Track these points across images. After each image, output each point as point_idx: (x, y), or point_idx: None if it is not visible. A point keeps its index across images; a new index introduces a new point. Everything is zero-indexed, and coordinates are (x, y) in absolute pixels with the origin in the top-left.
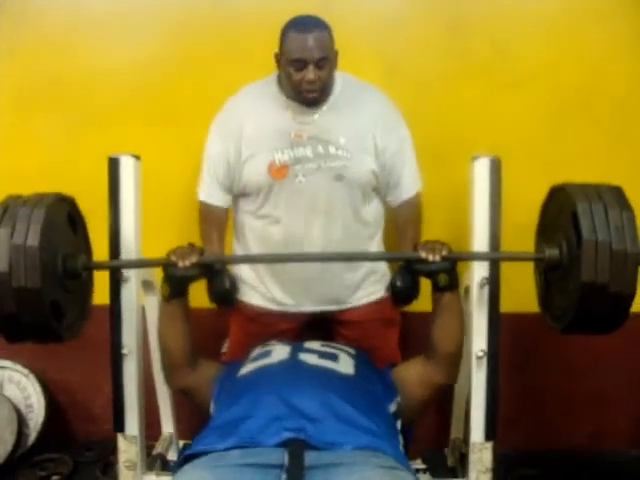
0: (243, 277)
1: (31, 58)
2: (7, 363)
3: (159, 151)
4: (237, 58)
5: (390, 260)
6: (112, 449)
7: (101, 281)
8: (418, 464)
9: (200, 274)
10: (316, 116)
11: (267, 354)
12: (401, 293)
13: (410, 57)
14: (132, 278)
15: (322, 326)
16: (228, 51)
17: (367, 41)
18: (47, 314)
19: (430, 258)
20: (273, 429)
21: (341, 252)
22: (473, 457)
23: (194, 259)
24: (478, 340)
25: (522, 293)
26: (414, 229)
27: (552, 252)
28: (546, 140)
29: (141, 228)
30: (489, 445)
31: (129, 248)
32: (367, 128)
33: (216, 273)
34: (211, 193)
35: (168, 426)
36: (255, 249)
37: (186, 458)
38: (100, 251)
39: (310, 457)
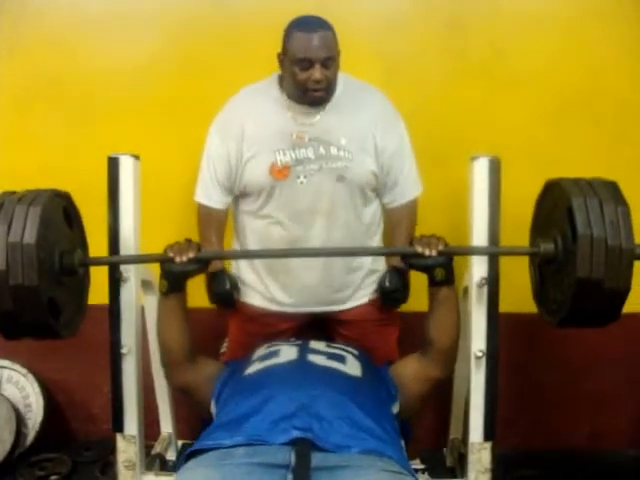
0: (243, 279)
1: (31, 57)
2: (6, 363)
3: (158, 150)
4: (237, 58)
5: (387, 255)
6: (111, 449)
7: (100, 281)
8: (417, 464)
9: (198, 269)
10: (317, 117)
11: (275, 354)
12: (390, 294)
13: (409, 57)
14: (131, 278)
15: (321, 325)
16: (228, 51)
17: (366, 41)
18: (45, 311)
19: (426, 253)
20: (282, 427)
21: (338, 247)
22: (472, 457)
23: (191, 254)
24: (477, 340)
25: (521, 293)
26: (408, 234)
27: (547, 246)
28: (546, 140)
29: (140, 228)
30: (488, 445)
31: (128, 248)
32: (367, 128)
33: (217, 275)
34: (210, 195)
35: (167, 426)
36: (255, 249)
37: (190, 454)
38: (100, 252)
39: (317, 458)
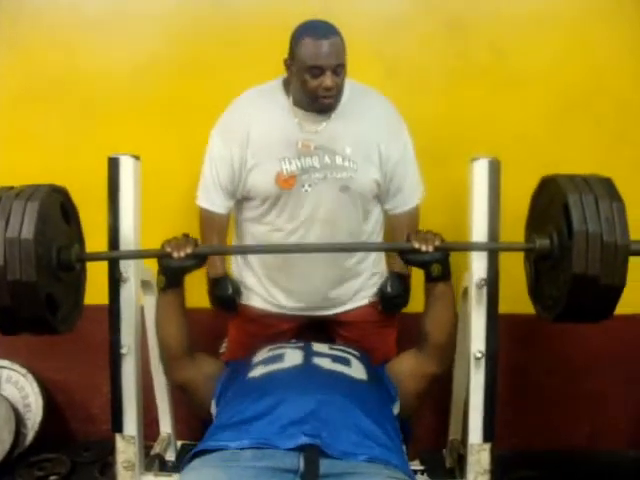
0: (244, 282)
1: (30, 57)
2: (5, 362)
3: (158, 150)
4: (237, 58)
5: (384, 250)
6: (110, 449)
7: (100, 281)
8: (416, 465)
9: (195, 265)
10: (323, 124)
11: (279, 358)
12: (390, 300)
13: (409, 58)
14: (131, 278)
15: (321, 326)
16: (228, 52)
17: (366, 42)
18: (42, 307)
19: (423, 248)
20: (290, 432)
21: (336, 243)
22: (471, 458)
23: (189, 250)
24: (476, 341)
25: (520, 294)
26: None
27: (543, 242)
28: (546, 140)
29: (140, 228)
30: (487, 446)
31: (128, 247)
32: (372, 137)
33: (219, 280)
34: (213, 199)
35: (166, 426)
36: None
37: (195, 454)
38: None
39: (324, 465)
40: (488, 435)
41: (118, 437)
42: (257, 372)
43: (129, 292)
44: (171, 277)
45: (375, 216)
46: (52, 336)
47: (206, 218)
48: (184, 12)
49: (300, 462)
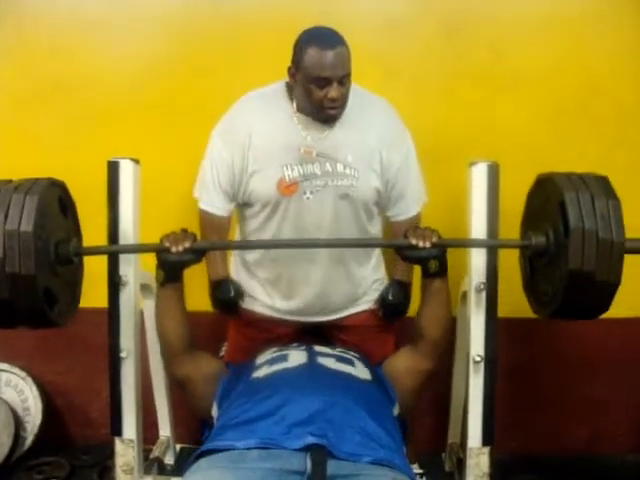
0: (245, 286)
1: (31, 59)
2: (4, 366)
3: (158, 153)
4: (237, 61)
5: (382, 247)
6: (109, 453)
7: (100, 284)
8: (416, 469)
9: (193, 259)
10: (326, 132)
11: (283, 358)
12: (391, 307)
13: (408, 60)
14: (131, 282)
15: (320, 331)
16: (228, 54)
17: (365, 44)
18: (40, 300)
19: (420, 244)
20: (297, 432)
21: (333, 239)
22: (470, 462)
23: (187, 244)
24: (475, 345)
25: (519, 298)
26: None
27: (539, 239)
28: (545, 143)
29: (139, 231)
30: (486, 450)
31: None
32: (374, 145)
33: (221, 283)
34: (213, 202)
35: (165, 430)
36: (258, 259)
37: (200, 454)
38: (100, 257)
39: (331, 466)
40: (487, 439)
41: (117, 441)
42: (261, 372)
43: (129, 296)
44: (170, 271)
45: (376, 223)
46: (51, 339)
47: (207, 221)
48: (184, 15)
49: (307, 463)
